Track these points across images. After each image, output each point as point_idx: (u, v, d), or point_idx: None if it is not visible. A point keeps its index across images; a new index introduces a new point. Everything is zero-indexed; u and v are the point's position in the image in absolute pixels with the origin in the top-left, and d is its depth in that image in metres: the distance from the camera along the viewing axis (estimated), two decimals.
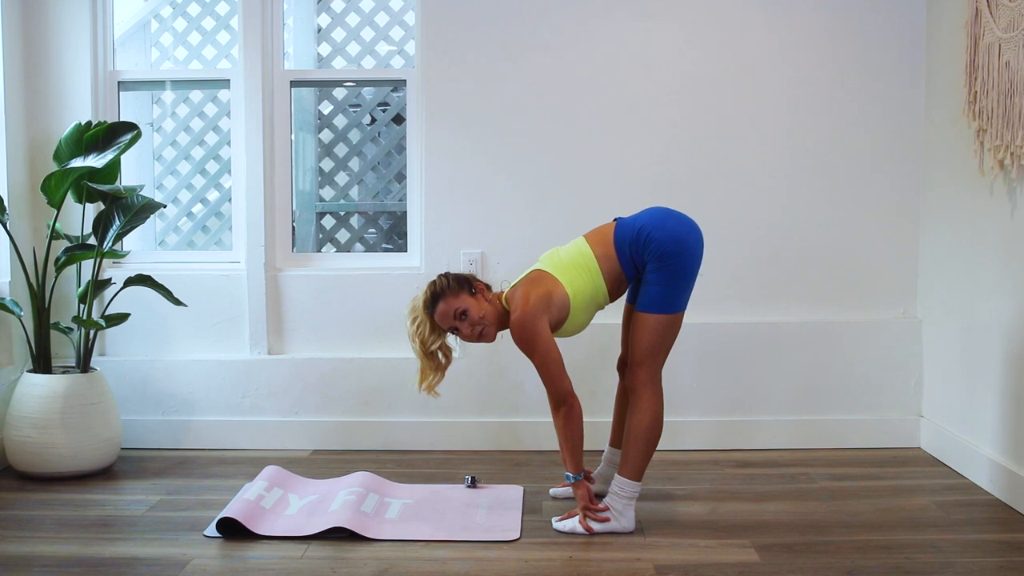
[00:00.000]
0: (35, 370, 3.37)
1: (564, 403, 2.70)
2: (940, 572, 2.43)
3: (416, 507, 2.95)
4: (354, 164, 4.46)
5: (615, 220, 2.84)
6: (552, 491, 3.09)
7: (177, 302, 3.44)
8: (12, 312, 3.32)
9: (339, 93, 4.39)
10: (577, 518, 2.74)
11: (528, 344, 2.70)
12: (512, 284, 2.84)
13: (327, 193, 4.46)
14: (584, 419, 2.73)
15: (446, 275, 2.81)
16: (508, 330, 2.76)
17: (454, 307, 2.75)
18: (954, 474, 3.30)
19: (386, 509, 2.91)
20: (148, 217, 3.47)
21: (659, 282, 2.68)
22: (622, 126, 3.67)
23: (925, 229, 3.65)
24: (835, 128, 3.67)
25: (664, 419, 2.76)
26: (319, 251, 4.37)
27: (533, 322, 2.68)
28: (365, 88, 4.38)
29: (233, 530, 2.72)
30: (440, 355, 2.83)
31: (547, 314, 2.70)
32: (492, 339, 2.84)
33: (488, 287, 2.86)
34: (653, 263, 2.69)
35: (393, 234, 4.48)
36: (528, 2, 3.65)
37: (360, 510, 2.83)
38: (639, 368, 2.73)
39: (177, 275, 3.68)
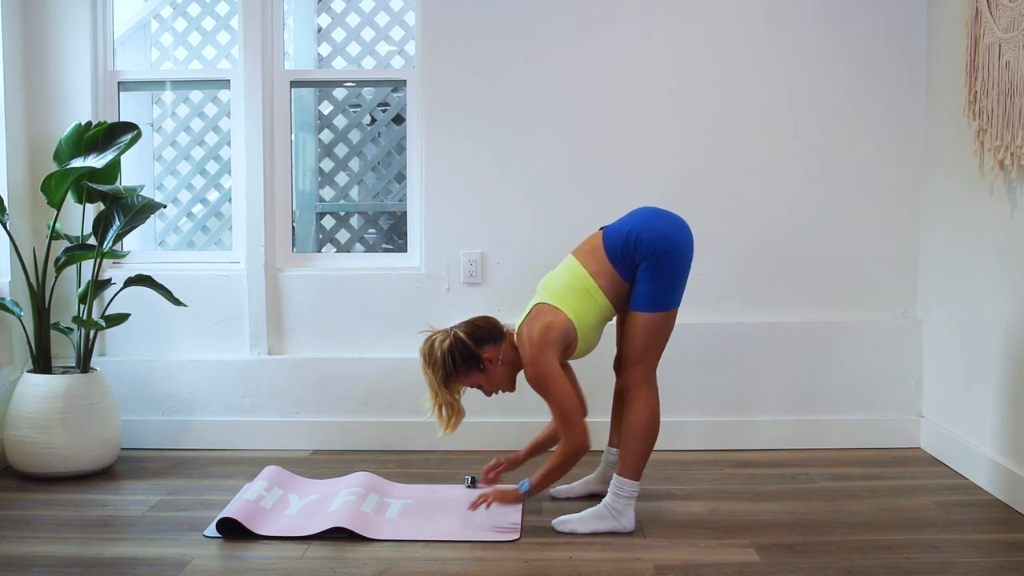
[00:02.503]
0: (35, 370, 3.37)
1: (573, 442, 2.67)
2: (940, 572, 2.43)
3: (416, 507, 2.95)
4: (354, 164, 4.46)
5: (601, 230, 2.83)
6: (551, 490, 3.09)
7: (177, 302, 3.44)
8: (12, 312, 3.32)
9: (339, 93, 4.39)
10: (577, 517, 2.73)
11: (541, 386, 2.69)
12: (517, 324, 2.82)
13: (327, 193, 4.46)
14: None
15: (451, 351, 2.71)
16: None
17: (466, 384, 2.78)
18: (954, 474, 3.30)
19: (386, 509, 2.91)
20: (148, 217, 3.47)
21: (650, 280, 2.68)
22: (622, 127, 3.67)
23: (925, 229, 3.65)
24: (835, 128, 3.67)
25: (663, 419, 2.76)
26: (319, 251, 4.37)
27: (541, 363, 2.66)
28: (365, 88, 4.38)
29: (233, 530, 2.72)
30: (458, 396, 2.80)
31: (551, 348, 2.67)
32: (512, 391, 2.85)
33: (498, 334, 2.79)
34: (645, 262, 2.68)
35: (393, 234, 4.48)
36: (529, 3, 3.65)
37: (360, 510, 2.83)
38: (633, 367, 2.73)
39: (177, 275, 3.68)
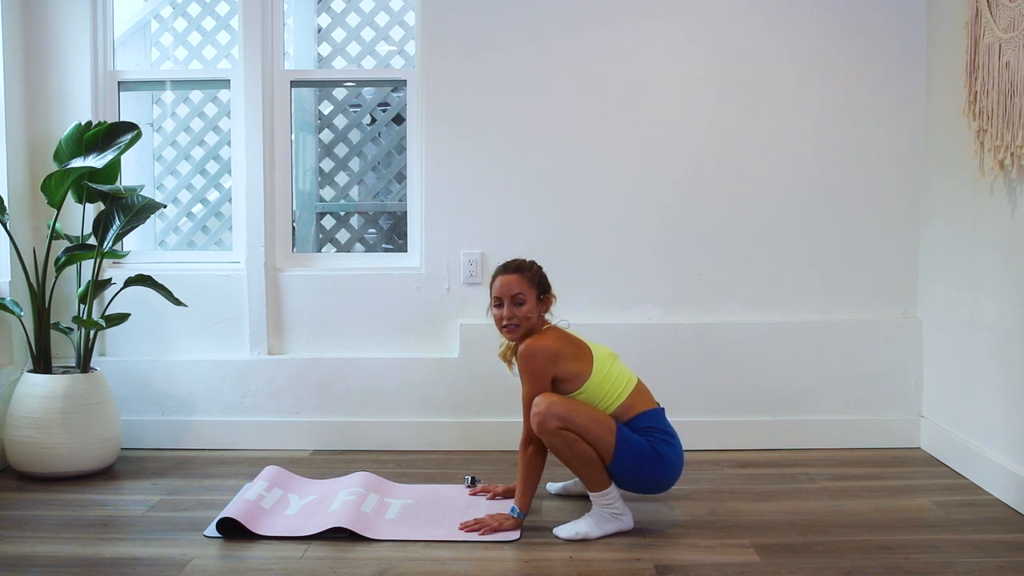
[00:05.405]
0: (35, 370, 3.37)
1: (534, 440, 2.73)
2: (940, 572, 2.44)
3: (416, 507, 2.95)
4: (354, 164, 4.46)
5: (660, 406, 2.85)
6: (549, 486, 3.09)
7: (177, 302, 3.44)
8: (12, 312, 3.32)
9: (339, 93, 4.39)
10: (585, 524, 2.71)
11: (526, 373, 2.74)
12: (563, 324, 2.86)
13: (327, 193, 4.46)
14: None
15: (539, 268, 2.88)
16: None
17: (518, 290, 2.79)
18: (954, 474, 3.30)
19: (386, 509, 2.91)
20: (148, 217, 3.47)
21: (642, 451, 2.69)
22: (622, 127, 3.67)
23: (925, 229, 3.65)
24: (835, 128, 3.67)
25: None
26: (319, 251, 4.37)
27: (542, 362, 2.72)
28: (365, 88, 4.38)
29: (233, 530, 2.72)
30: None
31: (553, 366, 2.72)
32: (514, 339, 2.83)
33: (548, 306, 2.87)
34: (648, 471, 2.73)
35: (393, 234, 4.48)
36: (529, 3, 3.65)
37: (360, 510, 2.83)
38: (555, 420, 2.65)
39: (177, 275, 3.68)
